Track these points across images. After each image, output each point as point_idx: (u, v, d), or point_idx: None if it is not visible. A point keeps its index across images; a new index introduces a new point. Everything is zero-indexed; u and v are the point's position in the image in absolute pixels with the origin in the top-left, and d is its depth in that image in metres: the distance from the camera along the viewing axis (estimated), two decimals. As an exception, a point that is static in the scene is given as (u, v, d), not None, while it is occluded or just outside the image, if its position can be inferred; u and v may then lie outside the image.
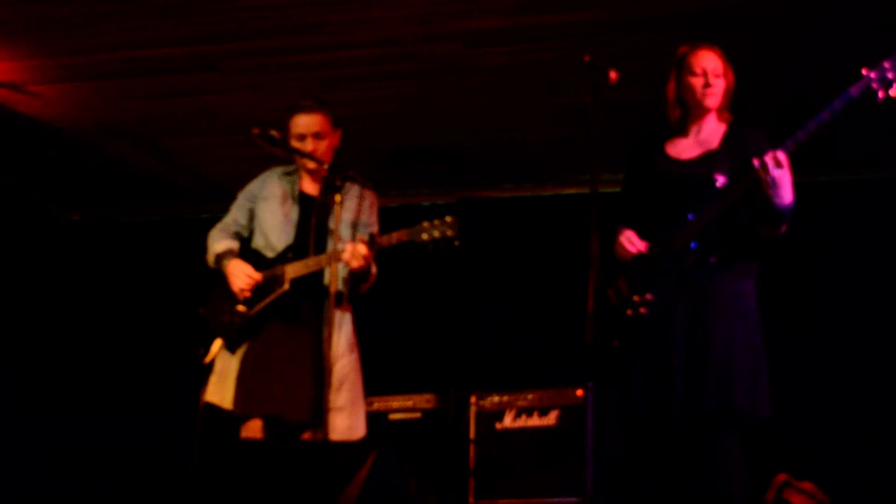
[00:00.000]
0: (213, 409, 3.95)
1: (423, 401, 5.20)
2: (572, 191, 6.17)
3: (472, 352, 5.93)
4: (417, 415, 5.19)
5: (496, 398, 5.02)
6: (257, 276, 3.95)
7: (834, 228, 5.58)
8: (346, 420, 3.87)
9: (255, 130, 4.00)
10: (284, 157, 4.13)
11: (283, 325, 3.93)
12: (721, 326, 3.38)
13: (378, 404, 5.25)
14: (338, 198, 3.80)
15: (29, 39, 4.67)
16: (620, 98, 3.76)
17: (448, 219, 3.78)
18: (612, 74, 3.31)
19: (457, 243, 3.77)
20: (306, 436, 3.88)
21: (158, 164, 6.17)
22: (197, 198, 6.44)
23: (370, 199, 4.09)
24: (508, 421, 4.96)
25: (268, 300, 3.92)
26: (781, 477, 4.69)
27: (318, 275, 3.93)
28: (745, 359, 3.38)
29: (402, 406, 5.24)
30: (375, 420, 5.19)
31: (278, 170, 4.18)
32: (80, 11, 4.42)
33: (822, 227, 5.49)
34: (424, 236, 3.76)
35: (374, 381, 5.27)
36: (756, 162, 3.28)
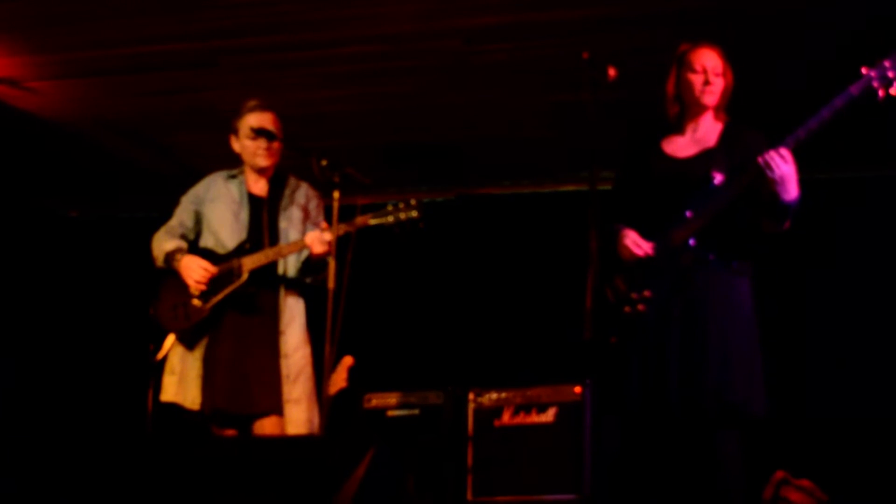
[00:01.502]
0: (172, 407, 3.96)
1: (421, 398, 5.20)
2: (571, 188, 6.17)
3: (470, 349, 5.93)
4: (415, 412, 5.18)
5: (494, 395, 5.02)
6: (213, 268, 3.97)
7: (833, 226, 5.58)
8: (305, 413, 3.90)
9: (253, 127, 4.03)
10: (284, 152, 4.14)
11: (241, 317, 3.96)
12: (718, 324, 3.38)
13: (376, 401, 5.25)
14: (336, 194, 3.82)
15: (27, 35, 4.67)
16: (619, 95, 3.75)
17: (412, 201, 3.86)
18: (611, 71, 3.30)
19: (421, 225, 3.82)
20: (267, 427, 3.89)
21: (156, 160, 6.17)
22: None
23: (316, 199, 4.17)
24: (507, 418, 4.96)
25: (225, 292, 3.93)
26: (779, 474, 4.69)
27: (272, 265, 3.97)
28: (742, 356, 3.38)
29: (400, 403, 5.23)
30: (373, 417, 5.20)
31: (222, 173, 4.22)
32: (79, 8, 4.42)
33: (822, 225, 5.49)
34: (389, 219, 3.82)
35: (373, 378, 5.30)
36: (761, 159, 3.28)
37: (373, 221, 3.84)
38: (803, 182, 3.37)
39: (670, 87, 3.59)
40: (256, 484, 2.95)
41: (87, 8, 4.42)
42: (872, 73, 3.25)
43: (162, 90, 5.21)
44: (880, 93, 3.25)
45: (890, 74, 3.24)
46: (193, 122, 5.64)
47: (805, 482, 4.66)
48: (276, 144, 4.04)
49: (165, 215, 3.90)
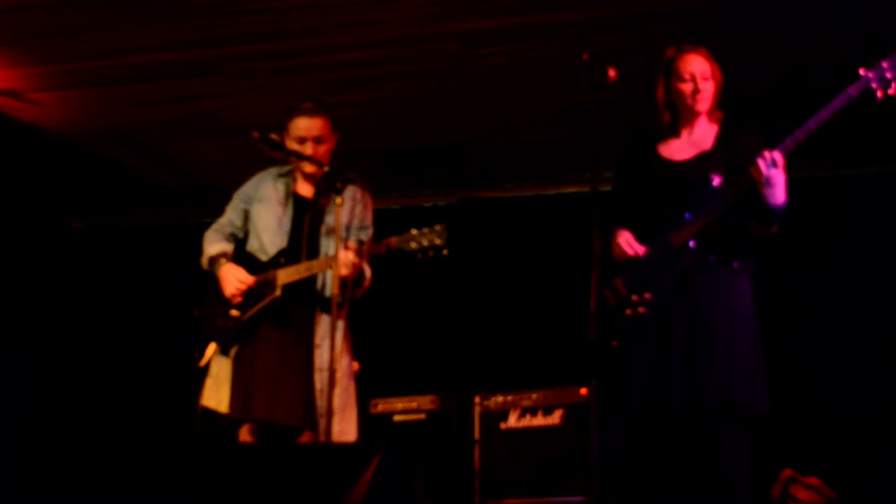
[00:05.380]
0: (210, 413, 3.96)
1: (427, 402, 5.20)
2: (573, 189, 6.17)
3: (475, 352, 5.93)
4: (422, 416, 5.19)
5: (500, 398, 5.02)
6: (249, 280, 3.95)
7: (832, 223, 5.57)
8: (338, 425, 3.86)
9: (255, 134, 3.99)
10: (284, 160, 4.13)
11: (276, 330, 3.93)
12: (720, 324, 3.38)
13: (382, 406, 5.26)
14: (339, 200, 3.80)
15: (28, 47, 4.68)
16: (620, 96, 3.76)
17: (437, 227, 3.77)
18: (611, 72, 3.31)
19: (445, 252, 3.76)
20: (300, 440, 3.89)
21: (159, 169, 6.17)
22: (197, 202, 6.43)
23: (364, 200, 4.09)
24: (513, 421, 4.96)
25: (260, 305, 3.92)
26: (787, 472, 4.69)
27: (310, 280, 3.93)
28: (744, 355, 3.38)
29: (407, 407, 5.23)
30: (380, 422, 5.20)
31: (273, 170, 4.17)
32: (79, 18, 4.43)
33: (822, 223, 5.49)
34: (413, 245, 3.75)
35: (378, 383, 5.30)
36: (759, 159, 3.28)
37: (396, 246, 3.79)
38: (803, 180, 3.37)
39: (660, 95, 3.60)
40: (267, 489, 2.95)
41: (87, 19, 4.43)
42: (871, 75, 3.26)
43: (163, 99, 5.21)
44: (878, 94, 3.26)
45: (888, 75, 3.25)
46: (195, 131, 5.64)
47: (813, 480, 4.66)
48: (323, 148, 3.99)
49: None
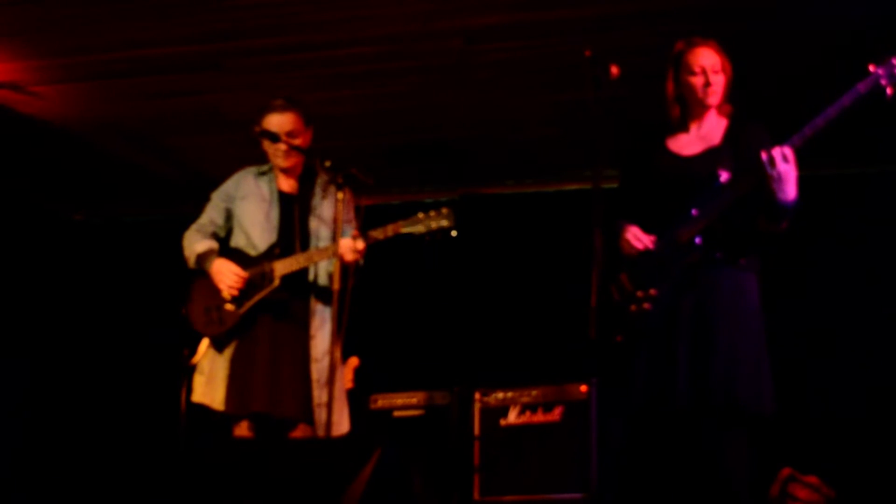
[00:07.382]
0: (202, 409, 3.96)
1: (427, 398, 5.20)
2: (574, 187, 6.17)
3: (475, 348, 5.93)
4: (421, 412, 5.19)
5: (500, 395, 5.02)
6: (244, 273, 3.96)
7: (838, 222, 5.57)
8: (334, 415, 3.87)
9: (257, 129, 4.02)
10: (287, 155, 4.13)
11: (272, 322, 3.95)
12: (726, 322, 3.37)
13: (382, 402, 5.26)
14: (340, 195, 3.81)
15: (30, 40, 4.67)
16: (622, 93, 3.75)
17: (444, 210, 3.80)
18: (614, 69, 3.30)
19: (453, 234, 3.78)
20: (296, 432, 3.89)
21: (160, 163, 6.17)
22: (199, 196, 6.41)
23: (347, 196, 4.10)
24: (513, 417, 4.96)
25: (258, 297, 3.93)
26: (786, 471, 4.69)
27: (303, 271, 3.95)
28: (749, 354, 3.37)
29: (406, 403, 5.24)
30: (379, 417, 5.20)
31: (252, 169, 4.20)
32: (81, 12, 4.43)
33: (826, 222, 5.48)
34: (420, 227, 3.78)
35: (378, 379, 5.30)
36: (763, 156, 3.27)
37: (404, 230, 3.80)
38: (809, 178, 3.36)
39: (669, 88, 3.58)
40: (266, 485, 2.96)
41: (89, 12, 4.43)
42: (880, 71, 3.23)
43: (164, 93, 5.21)
44: (888, 90, 3.23)
45: None
46: (196, 125, 5.64)
47: (812, 479, 4.66)
48: (296, 143, 4.00)
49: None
